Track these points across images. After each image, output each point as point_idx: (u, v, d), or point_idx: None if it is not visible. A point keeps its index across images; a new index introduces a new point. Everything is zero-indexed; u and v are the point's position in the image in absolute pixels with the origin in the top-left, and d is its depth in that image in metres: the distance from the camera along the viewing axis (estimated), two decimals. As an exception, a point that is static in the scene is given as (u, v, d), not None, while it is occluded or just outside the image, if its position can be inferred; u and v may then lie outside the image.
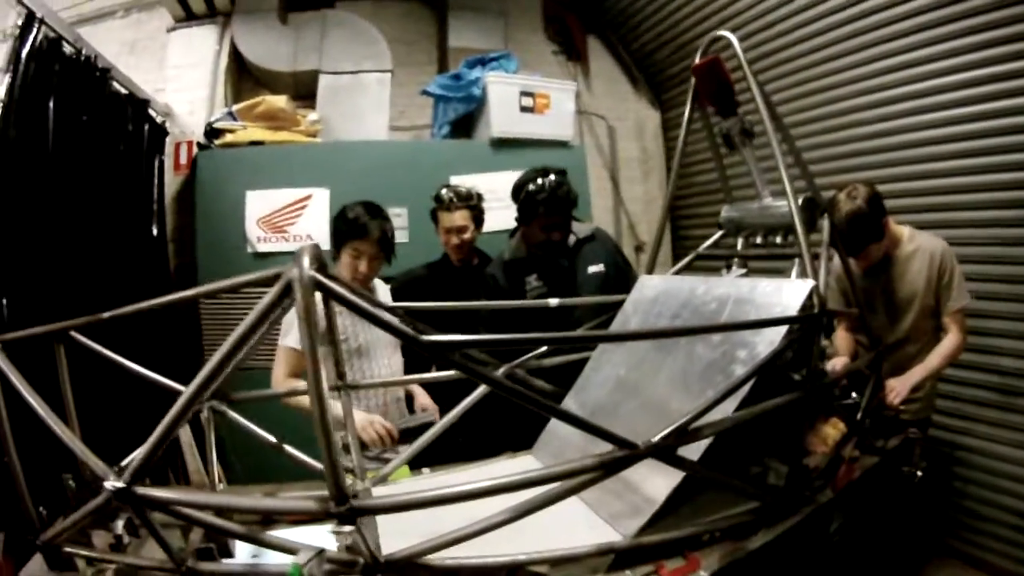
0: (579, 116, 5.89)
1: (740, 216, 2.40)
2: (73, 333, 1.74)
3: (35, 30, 2.98)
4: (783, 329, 1.68)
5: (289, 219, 4.21)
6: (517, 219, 3.06)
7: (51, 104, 3.12)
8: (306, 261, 1.16)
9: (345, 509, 1.10)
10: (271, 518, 1.89)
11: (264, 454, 2.15)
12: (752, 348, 1.69)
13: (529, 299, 2.98)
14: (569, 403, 2.11)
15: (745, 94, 2.14)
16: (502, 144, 4.53)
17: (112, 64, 3.76)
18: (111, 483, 1.20)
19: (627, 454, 1.29)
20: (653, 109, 6.23)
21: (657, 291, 2.28)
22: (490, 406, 3.15)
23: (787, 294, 1.78)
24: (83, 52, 3.43)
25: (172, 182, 4.67)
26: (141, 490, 1.20)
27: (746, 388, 1.58)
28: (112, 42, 4.96)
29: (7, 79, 2.91)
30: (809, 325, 1.72)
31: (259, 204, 4.20)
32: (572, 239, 3.06)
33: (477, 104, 4.64)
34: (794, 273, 1.97)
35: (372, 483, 1.89)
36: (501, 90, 4.52)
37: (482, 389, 2.11)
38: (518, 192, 2.97)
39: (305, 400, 2.38)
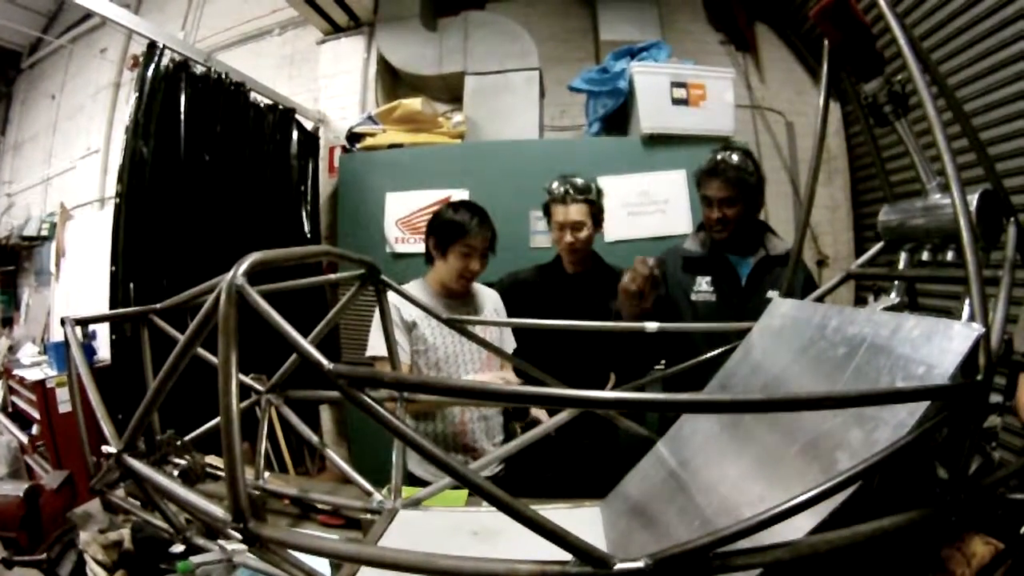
0: (753, 112, 5.42)
1: (901, 220, 1.66)
2: (153, 317, 1.85)
3: (157, 56, 3.27)
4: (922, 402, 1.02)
5: (427, 220, 4.13)
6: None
7: (182, 119, 3.40)
8: (241, 270, 1.06)
9: (241, 528, 0.92)
10: (307, 515, 1.96)
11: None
12: (872, 428, 1.06)
13: (692, 300, 2.66)
14: (660, 450, 1.73)
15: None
16: (654, 141, 4.14)
17: (247, 78, 4.04)
18: (110, 448, 1.33)
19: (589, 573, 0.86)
20: (832, 102, 5.50)
21: (784, 322, 1.70)
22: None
23: (939, 345, 1.09)
24: (213, 70, 3.69)
25: (327, 184, 4.91)
26: (129, 459, 1.26)
27: (839, 497, 0.97)
28: (273, 56, 5.46)
29: (133, 102, 3.15)
30: (961, 402, 1.00)
31: (398, 205, 4.23)
32: (762, 253, 2.67)
33: (625, 98, 4.31)
34: (965, 310, 1.15)
35: (403, 503, 1.70)
36: (649, 81, 4.13)
37: (559, 417, 1.86)
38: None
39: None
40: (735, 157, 2.57)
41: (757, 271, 2.63)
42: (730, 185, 2.54)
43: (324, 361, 0.90)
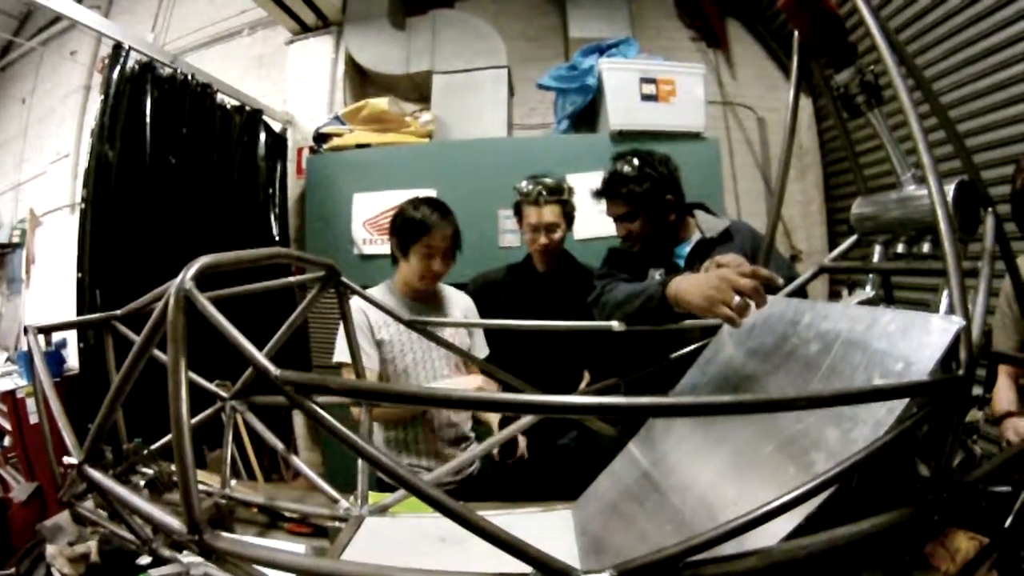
0: (724, 108, 5.44)
1: (875, 213, 1.62)
2: (115, 323, 1.80)
3: (123, 57, 3.24)
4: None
5: (394, 220, 4.17)
6: None
7: (148, 121, 3.38)
8: (189, 274, 1.03)
9: (196, 540, 0.90)
10: (275, 523, 1.93)
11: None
12: (849, 427, 1.02)
13: None
14: (632, 450, 1.65)
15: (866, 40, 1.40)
16: (623, 137, 4.06)
17: (213, 79, 4.00)
18: (70, 459, 1.34)
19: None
20: (804, 96, 5.42)
21: (755, 318, 1.60)
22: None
23: (917, 339, 1.05)
24: (179, 71, 3.66)
25: (295, 185, 4.85)
26: (89, 470, 1.27)
27: (816, 500, 0.92)
28: (242, 57, 5.42)
29: (99, 105, 3.10)
30: (943, 399, 0.95)
31: (366, 206, 4.19)
32: (696, 238, 2.50)
33: (594, 95, 4.30)
34: (943, 302, 1.18)
35: (370, 510, 1.68)
36: (618, 77, 4.12)
37: (524, 420, 1.81)
38: None
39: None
40: (625, 169, 2.43)
41: (692, 257, 2.45)
42: (621, 202, 2.44)
43: (271, 367, 0.88)
